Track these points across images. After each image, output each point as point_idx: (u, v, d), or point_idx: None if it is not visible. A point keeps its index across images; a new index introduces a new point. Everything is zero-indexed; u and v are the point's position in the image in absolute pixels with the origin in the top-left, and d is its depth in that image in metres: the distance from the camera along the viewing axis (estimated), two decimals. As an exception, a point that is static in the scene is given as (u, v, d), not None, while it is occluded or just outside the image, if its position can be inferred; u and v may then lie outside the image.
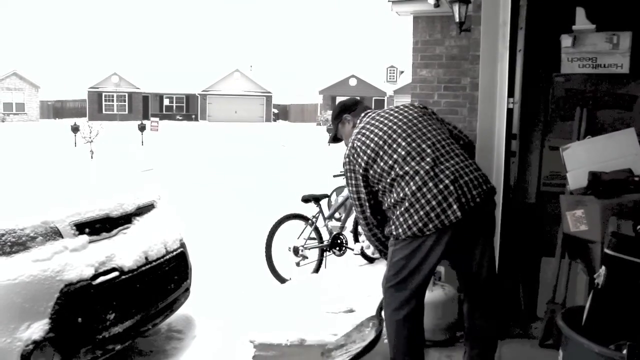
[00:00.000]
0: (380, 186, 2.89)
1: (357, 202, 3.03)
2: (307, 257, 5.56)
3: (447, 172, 2.77)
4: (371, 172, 2.90)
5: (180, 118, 53.64)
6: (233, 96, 54.47)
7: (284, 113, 58.96)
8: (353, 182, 3.00)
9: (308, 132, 32.45)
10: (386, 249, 3.03)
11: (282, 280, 5.29)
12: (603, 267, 2.42)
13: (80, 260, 2.84)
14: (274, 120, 55.35)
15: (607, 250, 2.44)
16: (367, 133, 2.98)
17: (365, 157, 2.91)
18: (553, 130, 3.93)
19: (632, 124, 3.46)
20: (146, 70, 54.03)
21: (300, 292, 4.27)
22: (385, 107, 3.23)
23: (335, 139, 3.41)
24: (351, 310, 3.97)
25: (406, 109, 3.08)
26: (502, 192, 3.64)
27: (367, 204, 3.00)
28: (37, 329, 2.61)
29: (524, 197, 4.01)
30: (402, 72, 52.19)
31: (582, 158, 3.38)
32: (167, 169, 14.84)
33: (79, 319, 2.79)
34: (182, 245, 3.78)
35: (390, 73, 54.77)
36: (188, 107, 55.47)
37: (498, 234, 3.66)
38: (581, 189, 3.28)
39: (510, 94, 3.60)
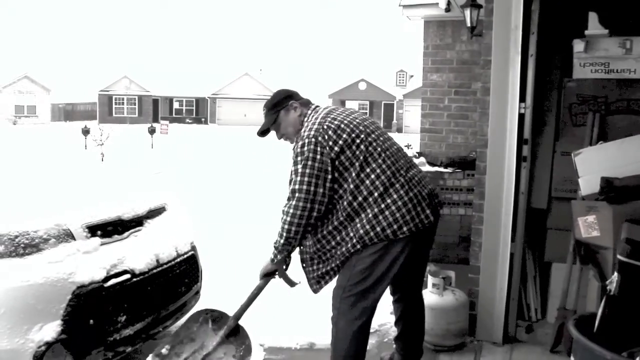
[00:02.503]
0: (346, 174, 2.66)
1: (309, 188, 2.63)
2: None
3: (416, 178, 2.80)
4: (342, 157, 2.64)
5: (190, 121, 53.83)
6: (242, 99, 54.58)
7: (293, 116, 58.96)
8: (317, 164, 2.63)
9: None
10: (290, 253, 2.95)
11: (291, 283, 5.28)
12: (616, 274, 2.41)
13: (92, 263, 2.86)
14: (283, 124, 55.39)
15: (620, 257, 2.43)
16: (339, 118, 2.76)
17: (339, 140, 2.66)
18: (565, 136, 3.92)
19: (644, 130, 3.45)
20: (156, 74, 54.29)
21: (309, 296, 4.26)
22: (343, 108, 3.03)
23: (266, 130, 3.02)
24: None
25: (361, 114, 2.97)
26: (512, 197, 3.63)
27: (320, 192, 2.65)
28: (50, 330, 2.62)
29: (535, 203, 3.99)
30: (411, 76, 52.13)
31: (594, 164, 3.37)
32: (177, 172, 14.88)
33: (91, 321, 2.80)
34: (193, 248, 3.79)
35: (399, 77, 54.74)
36: (198, 111, 55.66)
37: (509, 240, 3.65)
38: (593, 195, 3.26)
39: (522, 98, 3.60)
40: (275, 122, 2.99)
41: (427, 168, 5.84)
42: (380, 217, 2.65)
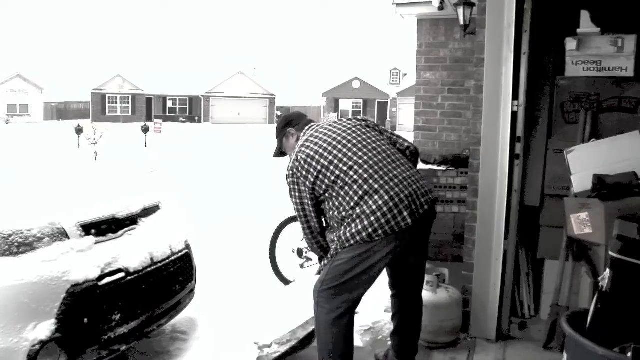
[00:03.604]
0: (327, 195, 2.89)
1: (301, 213, 3.03)
2: (311, 259, 5.56)
3: (395, 180, 2.82)
4: (318, 182, 2.89)
5: (184, 120, 53.70)
6: (236, 98, 54.52)
7: (287, 115, 58.89)
8: (297, 194, 2.99)
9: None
10: (322, 248, 3.14)
11: (286, 282, 5.30)
12: (608, 270, 2.43)
13: (86, 261, 2.85)
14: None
15: (612, 253, 2.45)
16: (311, 145, 2.97)
17: (311, 169, 2.90)
18: (557, 133, 3.94)
19: (636, 128, 3.47)
20: (150, 72, 54.12)
21: (304, 294, 4.27)
22: (327, 121, 3.25)
23: (281, 152, 3.37)
24: (355, 312, 3.97)
25: (347, 122, 3.12)
26: (505, 195, 3.65)
27: (312, 215, 3.01)
28: (44, 329, 2.61)
29: (528, 200, 4.01)
30: (405, 74, 52.24)
31: (586, 161, 3.39)
32: (171, 171, 14.85)
33: (85, 320, 2.80)
34: (187, 246, 3.79)
35: (393, 75, 54.82)
36: (191, 109, 55.53)
37: (502, 237, 3.67)
38: (586, 192, 3.29)
39: (515, 96, 3.61)
40: (282, 147, 3.33)
41: (421, 166, 5.85)
42: (357, 221, 2.76)
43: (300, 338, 3.51)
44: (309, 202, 2.97)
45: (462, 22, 5.81)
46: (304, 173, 2.92)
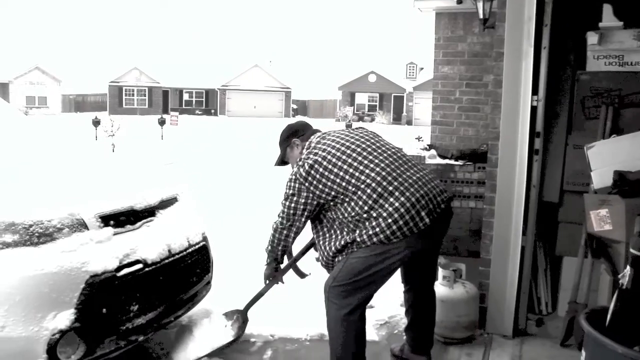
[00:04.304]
0: (337, 199, 2.85)
1: (290, 217, 2.99)
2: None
3: (410, 180, 2.81)
4: (326, 189, 2.85)
5: (200, 113, 53.90)
6: (252, 91, 54.60)
7: (303, 109, 58.97)
8: (296, 199, 2.93)
9: (327, 128, 32.31)
10: (280, 262, 3.34)
11: (302, 275, 5.29)
12: (628, 268, 2.39)
13: (105, 252, 2.87)
14: (293, 116, 55.37)
15: (633, 251, 2.42)
16: (320, 152, 2.94)
17: (317, 175, 2.87)
18: (577, 129, 3.90)
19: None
20: (166, 65, 54.36)
21: (320, 287, 4.27)
22: (334, 130, 3.24)
23: (282, 162, 3.35)
24: (370, 306, 3.96)
25: (356, 130, 3.12)
26: (524, 190, 3.63)
27: (301, 220, 2.99)
28: (63, 319, 2.64)
29: (547, 196, 3.98)
30: (421, 68, 51.92)
31: (607, 157, 3.35)
32: (187, 163, 14.92)
33: (104, 310, 2.82)
34: (205, 238, 3.80)
35: (410, 69, 54.51)
36: (207, 102, 55.72)
37: (520, 233, 3.64)
38: (606, 188, 3.25)
39: (535, 91, 3.58)
40: (285, 156, 3.31)
41: (437, 161, 5.83)
42: (374, 223, 2.73)
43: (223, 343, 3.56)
44: (308, 208, 2.94)
45: (481, 16, 5.77)
46: (309, 179, 2.89)
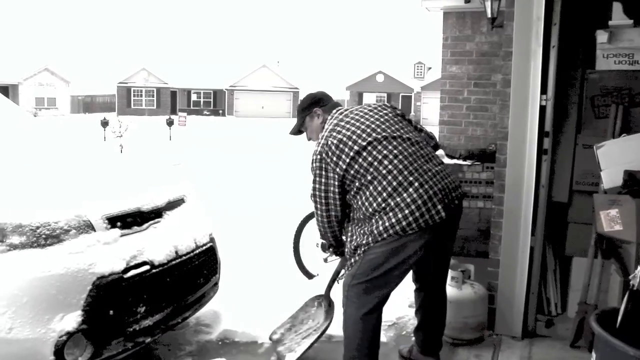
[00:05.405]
0: (356, 184, 2.81)
1: (323, 201, 2.92)
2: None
3: (429, 173, 2.79)
4: (350, 170, 2.81)
5: (208, 113, 54.04)
6: (260, 92, 54.70)
7: (310, 109, 58.89)
8: (323, 180, 2.88)
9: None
10: (341, 246, 3.14)
11: (309, 276, 5.29)
12: (639, 268, 2.37)
13: (112, 254, 2.87)
14: (300, 116, 55.41)
15: (643, 251, 2.39)
16: (343, 130, 2.89)
17: (342, 155, 2.82)
18: (587, 128, 3.86)
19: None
20: (174, 66, 54.59)
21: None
22: (357, 106, 3.16)
23: (299, 130, 3.26)
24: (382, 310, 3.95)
25: (379, 108, 3.03)
26: (533, 190, 3.60)
27: (337, 202, 2.91)
28: (70, 321, 2.64)
29: (556, 196, 3.95)
30: (429, 68, 51.85)
31: (616, 156, 3.32)
32: (195, 164, 14.95)
33: (111, 312, 2.82)
34: (212, 240, 3.80)
35: (417, 69, 54.46)
36: (215, 103, 55.87)
37: (529, 233, 3.62)
38: (616, 188, 3.22)
39: (543, 90, 3.55)
40: (303, 125, 3.23)
41: (446, 161, 5.79)
42: (391, 214, 2.70)
43: (323, 324, 3.54)
44: (336, 190, 2.87)
45: (489, 15, 5.74)
46: (334, 159, 2.83)
